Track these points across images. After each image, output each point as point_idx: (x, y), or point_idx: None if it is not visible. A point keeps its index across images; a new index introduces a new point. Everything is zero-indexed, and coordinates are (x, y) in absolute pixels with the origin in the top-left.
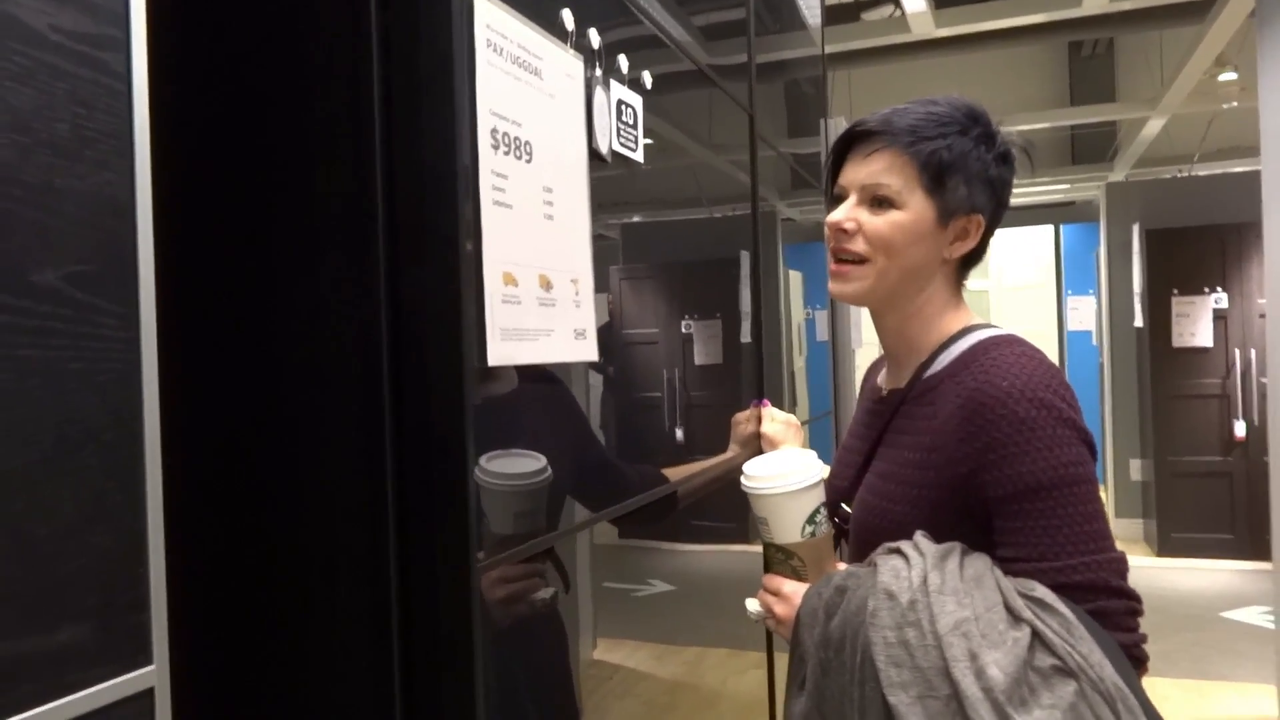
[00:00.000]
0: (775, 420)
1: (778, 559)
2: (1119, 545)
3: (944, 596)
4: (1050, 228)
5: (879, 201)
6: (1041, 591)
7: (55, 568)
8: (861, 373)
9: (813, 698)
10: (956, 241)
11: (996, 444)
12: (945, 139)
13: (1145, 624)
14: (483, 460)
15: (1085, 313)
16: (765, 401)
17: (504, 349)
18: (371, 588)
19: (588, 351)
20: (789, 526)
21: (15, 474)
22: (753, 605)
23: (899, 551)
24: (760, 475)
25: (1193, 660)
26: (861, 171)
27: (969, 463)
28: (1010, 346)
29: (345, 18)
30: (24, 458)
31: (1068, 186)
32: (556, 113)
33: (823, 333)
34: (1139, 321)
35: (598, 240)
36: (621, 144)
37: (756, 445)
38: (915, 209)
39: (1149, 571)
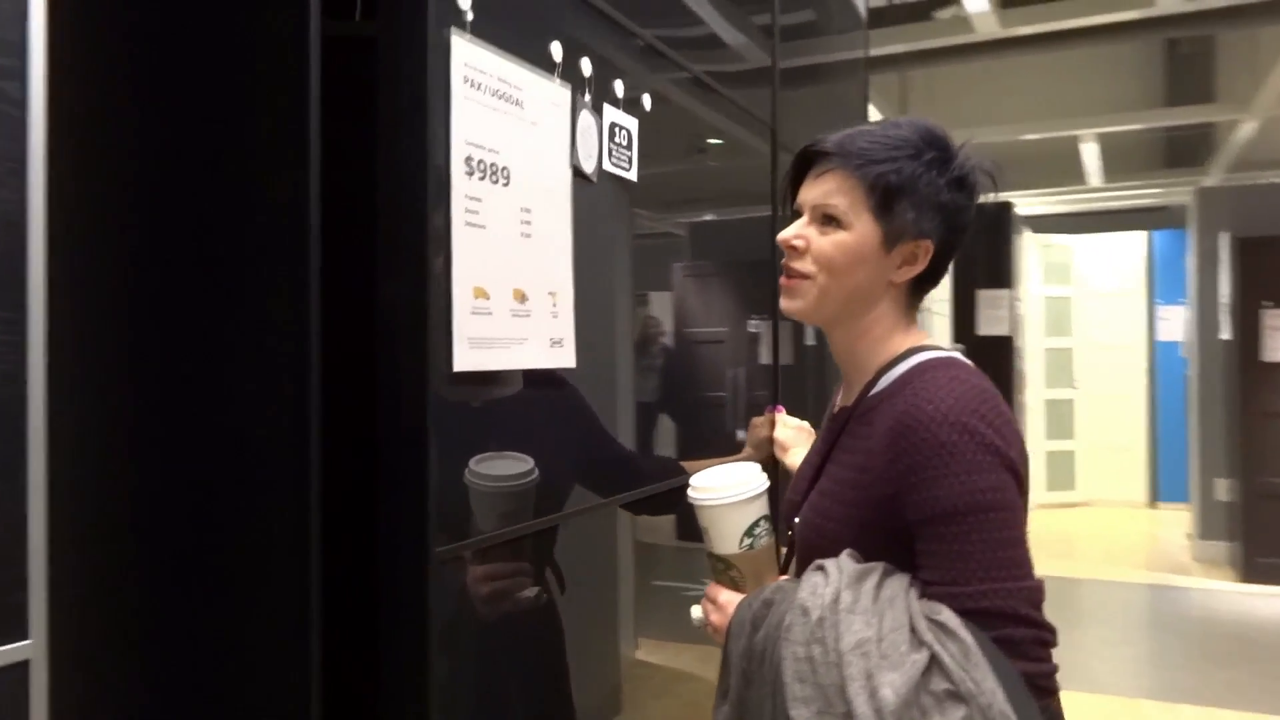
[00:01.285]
0: (787, 425)
1: (718, 568)
2: (1202, 567)
3: (853, 615)
4: (1142, 234)
5: (827, 220)
6: (946, 616)
7: None
8: None
9: (735, 707)
10: (904, 266)
11: (917, 467)
12: (894, 163)
13: (1220, 650)
14: (472, 462)
15: (1176, 323)
16: (779, 407)
17: (472, 356)
18: (295, 580)
19: (564, 359)
20: (727, 538)
21: None
22: (696, 612)
23: (822, 569)
24: (701, 486)
25: (1269, 694)
26: (814, 191)
27: (893, 484)
28: (945, 370)
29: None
30: None
31: (1160, 191)
32: (539, 139)
33: None
34: (1226, 334)
35: (663, 238)
36: (614, 164)
37: (769, 448)
38: (861, 231)
39: (1229, 597)
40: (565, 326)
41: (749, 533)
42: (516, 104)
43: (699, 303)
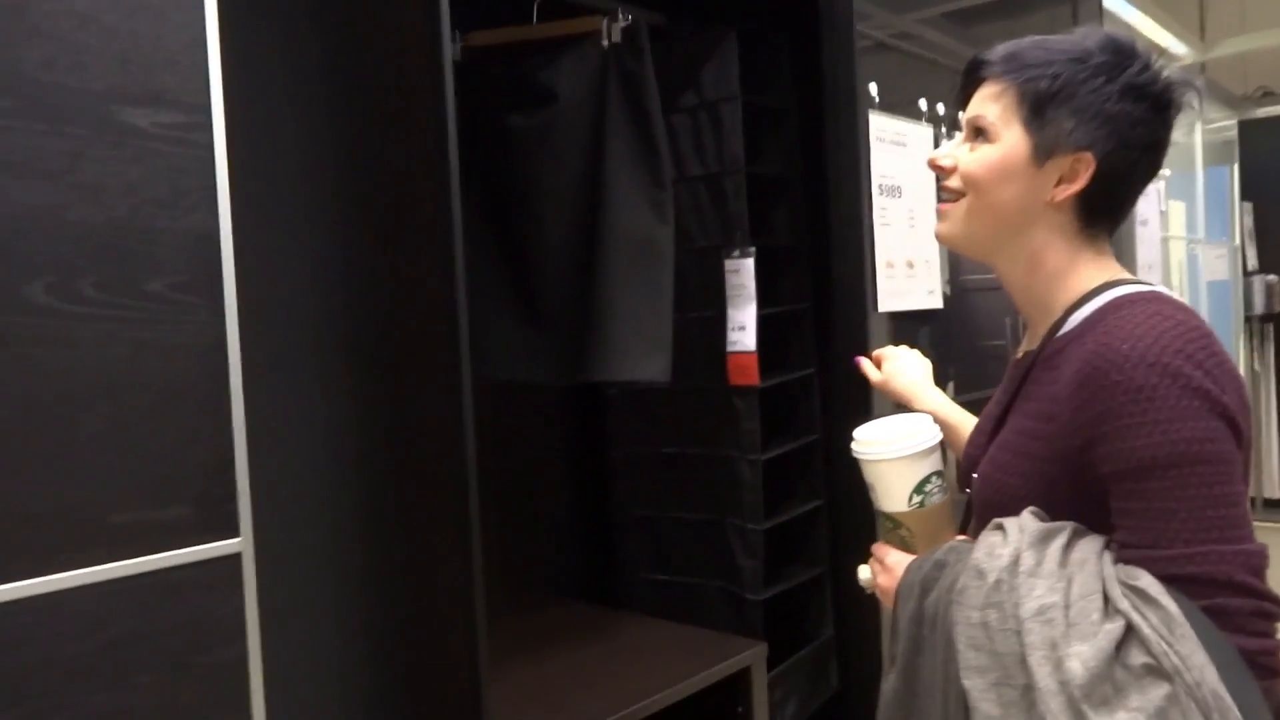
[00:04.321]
0: (892, 362)
1: (886, 527)
2: None
3: (1035, 579)
4: None
5: (978, 134)
6: (1146, 581)
7: (166, 470)
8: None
9: (904, 675)
10: (1062, 183)
11: (1110, 414)
12: (1050, 67)
13: None
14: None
15: None
16: (857, 359)
17: (887, 302)
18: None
19: (935, 302)
20: (896, 495)
21: (137, 411)
22: (864, 573)
23: (1001, 528)
24: (866, 440)
25: None
26: (972, 104)
27: (1082, 434)
28: (1145, 305)
29: None
30: (142, 400)
31: None
32: (916, 164)
33: (1219, 270)
34: None
35: None
36: None
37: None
38: (1009, 143)
39: None
40: (935, 282)
41: (919, 489)
42: (903, 145)
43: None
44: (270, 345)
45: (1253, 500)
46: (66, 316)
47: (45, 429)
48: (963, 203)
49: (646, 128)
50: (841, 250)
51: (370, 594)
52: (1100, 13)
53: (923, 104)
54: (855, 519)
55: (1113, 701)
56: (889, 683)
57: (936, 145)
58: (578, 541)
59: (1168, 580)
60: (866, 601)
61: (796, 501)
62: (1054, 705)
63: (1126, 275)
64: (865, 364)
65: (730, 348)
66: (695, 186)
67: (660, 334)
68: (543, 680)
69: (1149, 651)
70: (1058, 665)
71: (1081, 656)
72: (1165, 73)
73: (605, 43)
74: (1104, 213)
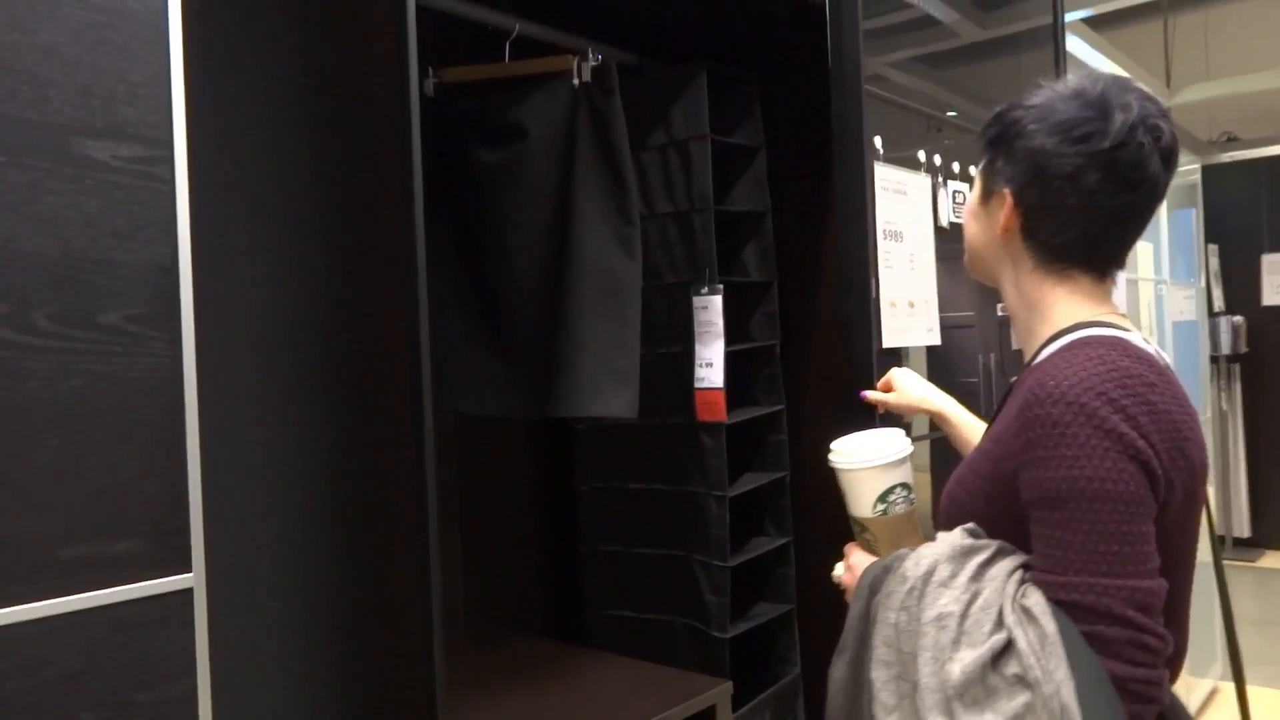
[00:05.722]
0: (901, 388)
1: (856, 530)
2: None
3: (944, 589)
4: None
5: None
6: (1033, 600)
7: (117, 504)
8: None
9: (850, 666)
10: (1003, 219)
11: (1032, 445)
12: (1001, 119)
13: None
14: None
15: None
16: (863, 394)
17: (889, 338)
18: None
19: (933, 339)
20: (861, 501)
21: (89, 444)
22: (838, 570)
23: (936, 540)
24: (839, 450)
25: None
26: None
27: (1015, 460)
28: (1094, 349)
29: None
30: (94, 433)
31: None
32: (915, 212)
33: (1186, 311)
34: None
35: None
36: (955, 216)
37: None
38: (973, 190)
39: None
40: (934, 321)
41: (882, 498)
42: (904, 193)
43: (949, 288)
44: (227, 378)
45: (1222, 539)
46: (19, 348)
47: None
48: None
49: (615, 165)
50: (847, 291)
51: (324, 631)
52: (1065, 60)
53: (921, 156)
54: (823, 557)
55: (983, 703)
56: (838, 670)
57: (934, 190)
58: (543, 576)
59: (1057, 603)
60: (833, 639)
61: (764, 538)
62: (929, 701)
63: (1106, 318)
64: (871, 394)
65: (698, 384)
66: (664, 223)
67: (627, 369)
68: (504, 718)
69: (1021, 664)
70: (940, 666)
71: (962, 662)
72: (1086, 112)
73: (576, 82)
74: (1052, 246)
